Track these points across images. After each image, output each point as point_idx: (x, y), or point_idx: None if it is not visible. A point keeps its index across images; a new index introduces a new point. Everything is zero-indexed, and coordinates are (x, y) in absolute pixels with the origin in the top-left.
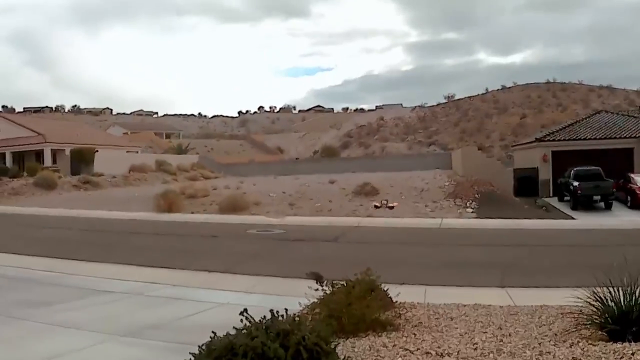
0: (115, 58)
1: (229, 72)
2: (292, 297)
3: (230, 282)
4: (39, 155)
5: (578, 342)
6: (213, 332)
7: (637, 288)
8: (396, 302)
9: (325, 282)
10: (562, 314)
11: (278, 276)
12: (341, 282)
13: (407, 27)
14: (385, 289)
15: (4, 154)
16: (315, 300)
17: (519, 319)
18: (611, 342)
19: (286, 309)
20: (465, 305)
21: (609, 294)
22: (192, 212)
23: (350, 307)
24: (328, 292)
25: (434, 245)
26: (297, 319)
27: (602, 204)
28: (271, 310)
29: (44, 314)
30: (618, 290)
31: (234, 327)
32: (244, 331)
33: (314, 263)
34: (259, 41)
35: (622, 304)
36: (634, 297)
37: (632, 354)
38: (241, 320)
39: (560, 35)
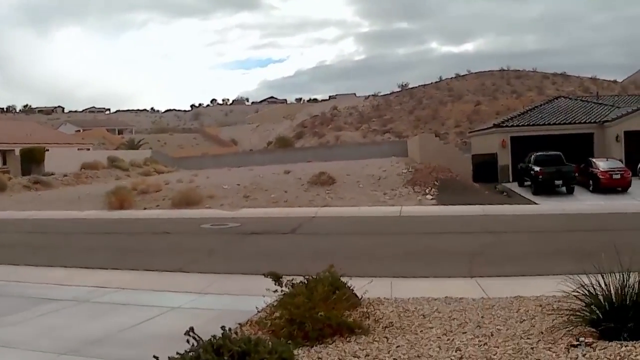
0: (66, 56)
1: (180, 66)
2: (249, 296)
3: (183, 282)
4: None
5: (573, 345)
6: (155, 357)
7: (629, 279)
8: (361, 298)
9: (284, 283)
10: (540, 306)
11: (234, 273)
12: (301, 280)
13: (359, 17)
14: (350, 286)
15: None
16: (275, 301)
17: (496, 313)
18: (608, 342)
19: (240, 324)
20: (435, 299)
21: (598, 286)
22: (145, 208)
23: (313, 311)
24: (288, 292)
25: (395, 235)
26: (252, 336)
27: (564, 189)
28: (222, 328)
29: None
30: (607, 281)
31: (177, 353)
32: (191, 354)
33: (271, 258)
34: (210, 34)
35: (614, 297)
36: (627, 289)
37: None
38: (187, 341)
39: (513, 24)
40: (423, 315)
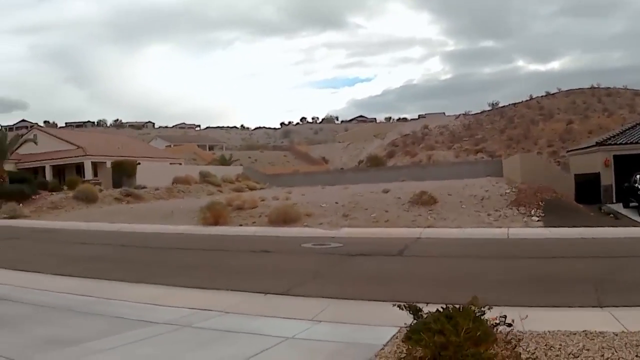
0: (154, 73)
1: (268, 84)
2: (366, 326)
3: (293, 307)
4: (79, 168)
5: None
6: None
7: None
8: (497, 331)
9: (424, 316)
10: None
11: (346, 298)
12: (437, 310)
13: (444, 36)
14: (484, 317)
15: (43, 168)
16: (399, 333)
17: None
18: None
19: None
20: (574, 333)
21: None
22: (241, 225)
23: (463, 350)
24: (421, 326)
25: (506, 259)
26: None
27: None
28: None
29: (69, 358)
30: None
31: None
32: None
33: (382, 282)
34: (296, 53)
35: None
36: None
37: None
38: None
39: (597, 41)
40: (573, 355)
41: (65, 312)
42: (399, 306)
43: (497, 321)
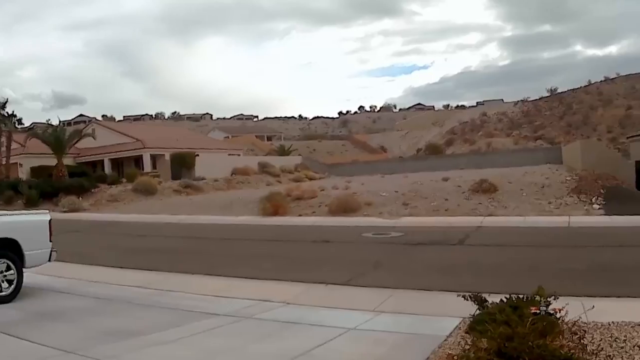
0: (210, 65)
1: (325, 73)
2: (431, 316)
3: (353, 297)
4: (138, 161)
5: None
6: None
7: None
8: (561, 321)
9: (489, 306)
10: None
11: (407, 288)
12: (495, 302)
13: (500, 21)
14: (546, 307)
15: (102, 161)
16: (461, 324)
17: None
18: None
19: None
20: (638, 325)
21: None
22: (300, 215)
23: (525, 340)
24: (485, 316)
25: (568, 247)
26: None
27: None
28: None
29: (130, 350)
30: None
31: None
32: None
33: (444, 271)
34: (352, 42)
35: None
36: None
37: None
38: None
39: None
40: (638, 347)
41: (126, 305)
42: (463, 296)
43: (538, 311)
